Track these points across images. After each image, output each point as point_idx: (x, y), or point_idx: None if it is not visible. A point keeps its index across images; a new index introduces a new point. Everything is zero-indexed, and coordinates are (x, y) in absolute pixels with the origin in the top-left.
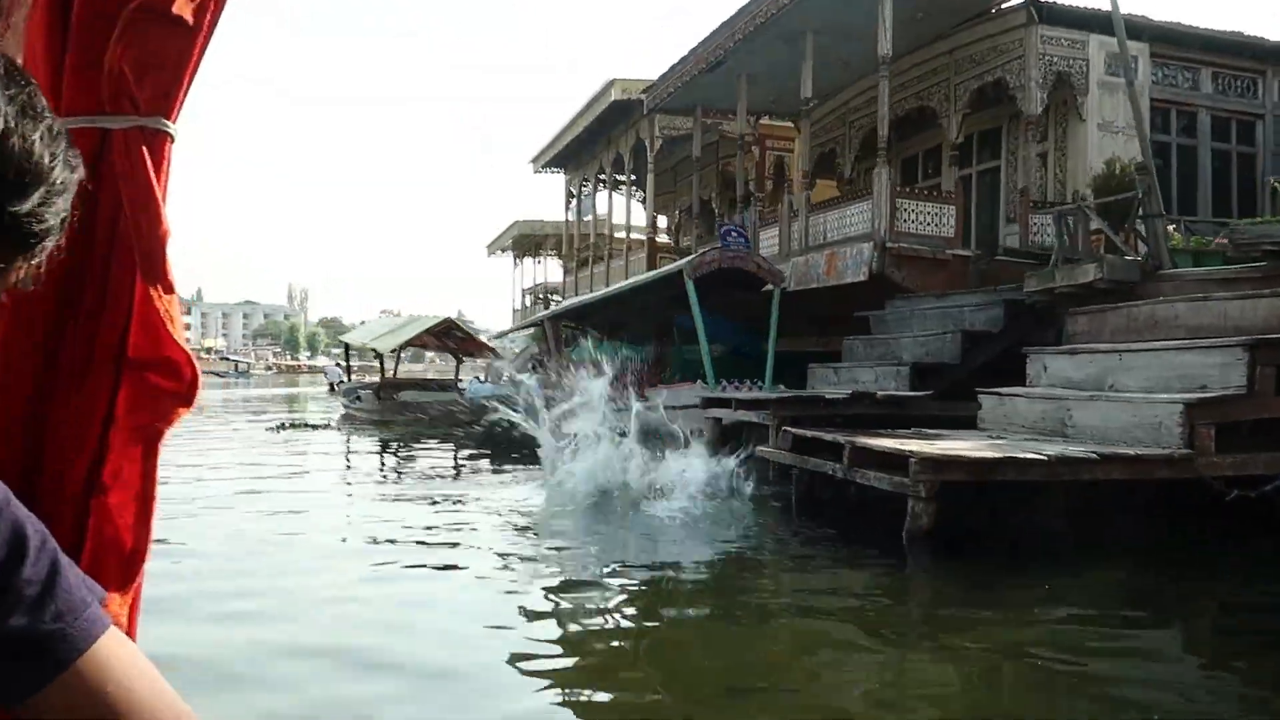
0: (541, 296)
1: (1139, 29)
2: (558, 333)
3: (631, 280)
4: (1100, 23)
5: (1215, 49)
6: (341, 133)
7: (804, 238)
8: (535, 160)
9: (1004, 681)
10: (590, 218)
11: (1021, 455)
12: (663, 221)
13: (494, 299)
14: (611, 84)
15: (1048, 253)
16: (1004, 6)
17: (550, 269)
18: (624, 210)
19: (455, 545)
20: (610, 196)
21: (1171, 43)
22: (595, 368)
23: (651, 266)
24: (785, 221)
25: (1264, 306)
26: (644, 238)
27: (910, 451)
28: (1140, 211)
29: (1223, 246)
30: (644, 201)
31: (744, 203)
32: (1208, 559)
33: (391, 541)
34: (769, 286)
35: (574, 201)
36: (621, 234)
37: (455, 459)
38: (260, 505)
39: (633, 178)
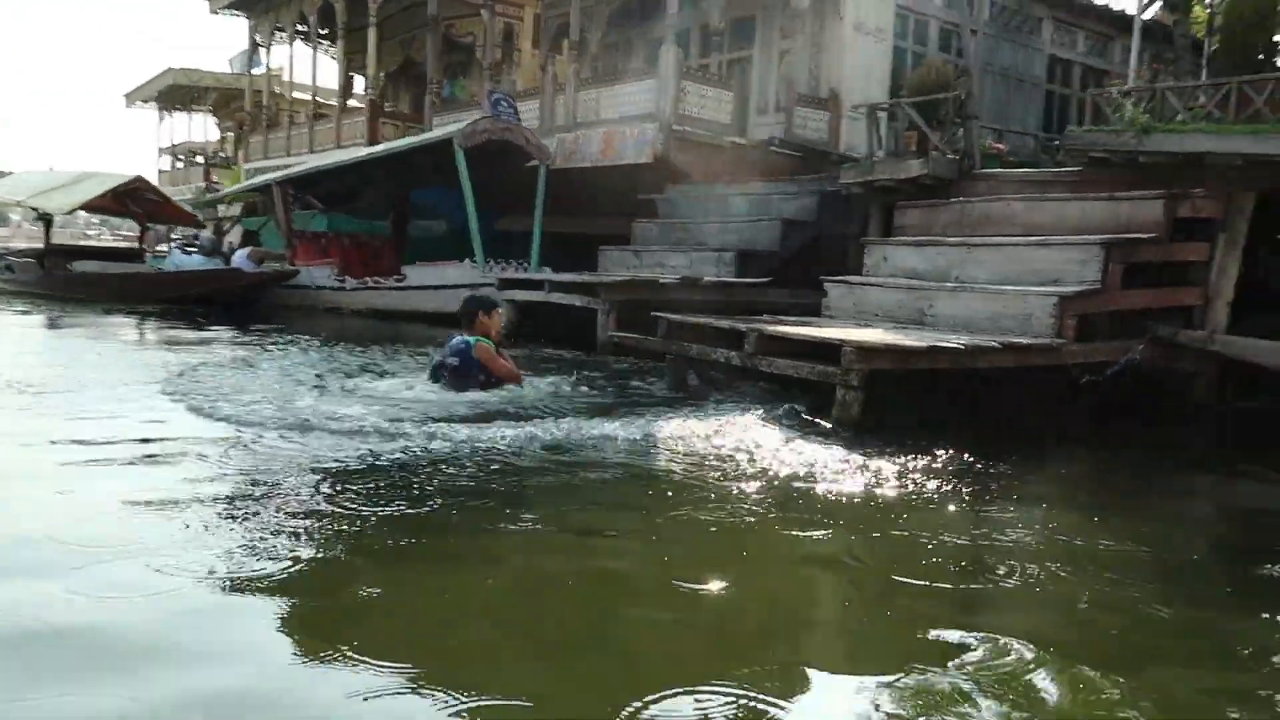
0: (200, 158)
1: None
2: (287, 201)
3: (387, 145)
4: None
5: None
6: None
7: (571, 113)
8: None
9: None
10: (260, 71)
11: (942, 344)
12: (359, 85)
13: (113, 159)
14: None
15: (815, 146)
16: None
17: (210, 128)
18: (316, 69)
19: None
20: (315, 55)
21: None
22: (328, 240)
23: (373, 133)
24: (549, 94)
25: (1101, 209)
26: (340, 101)
27: (842, 340)
28: (962, 113)
29: (998, 150)
30: (337, 58)
31: (493, 70)
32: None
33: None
34: (533, 162)
35: (258, 53)
36: (306, 96)
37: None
38: None
39: (323, 31)
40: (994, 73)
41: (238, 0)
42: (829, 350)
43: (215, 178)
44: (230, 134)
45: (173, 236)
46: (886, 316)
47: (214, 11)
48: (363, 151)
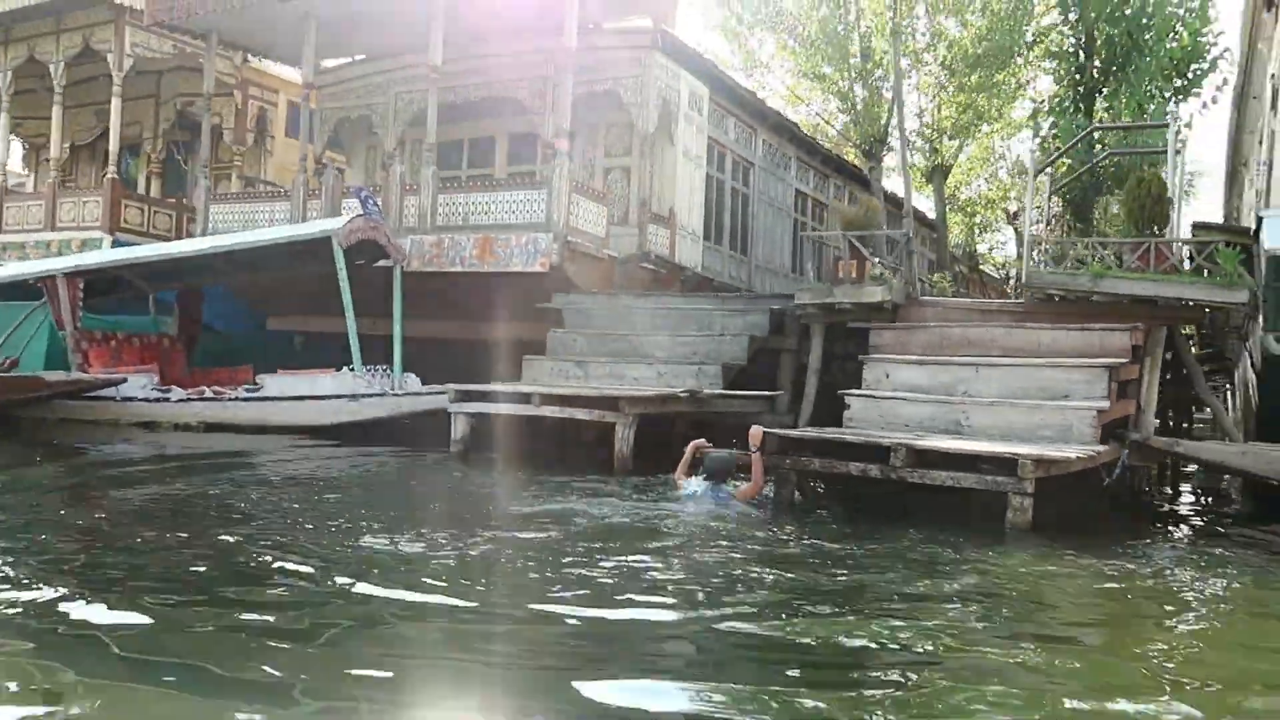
0: None
1: (708, 75)
2: (76, 298)
3: (255, 235)
4: (688, 62)
5: (736, 103)
6: None
7: (428, 215)
8: None
9: None
10: None
11: (1086, 453)
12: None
13: None
14: None
15: (666, 261)
16: (625, 27)
17: None
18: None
19: None
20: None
21: (719, 92)
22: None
23: (115, 216)
24: (396, 194)
25: (1075, 337)
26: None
27: (1016, 454)
28: (908, 246)
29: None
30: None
31: (243, 156)
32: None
33: None
34: (386, 261)
35: None
36: None
37: None
38: None
39: None
40: (765, 201)
41: None
42: (969, 460)
43: None
44: None
45: None
46: (919, 426)
47: None
48: (228, 240)
